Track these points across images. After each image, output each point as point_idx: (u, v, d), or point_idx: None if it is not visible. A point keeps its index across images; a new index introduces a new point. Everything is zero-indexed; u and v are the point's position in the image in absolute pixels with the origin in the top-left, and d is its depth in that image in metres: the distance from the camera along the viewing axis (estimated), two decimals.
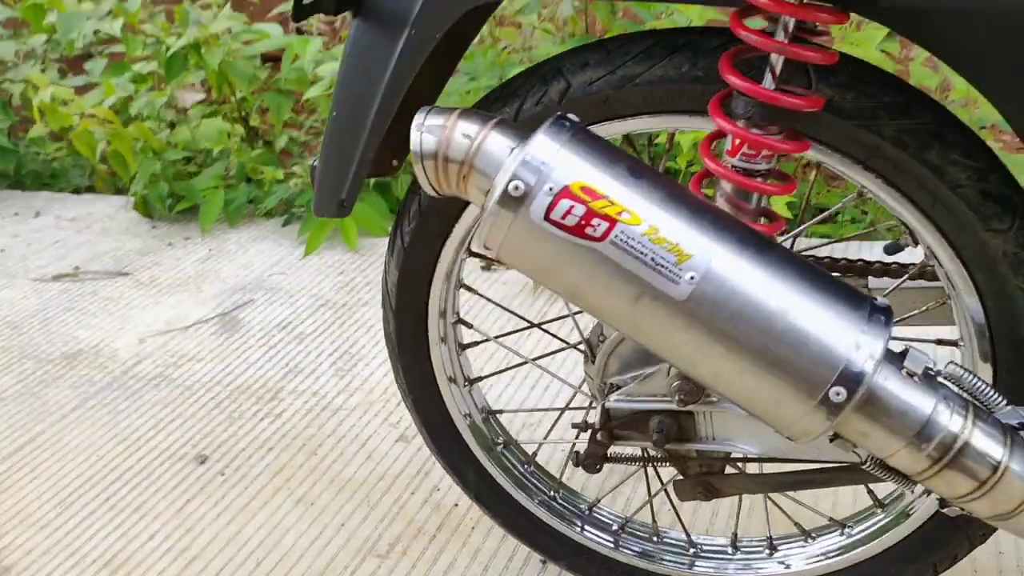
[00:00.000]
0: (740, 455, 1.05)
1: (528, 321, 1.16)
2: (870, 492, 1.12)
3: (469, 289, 1.16)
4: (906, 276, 0.97)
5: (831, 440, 0.73)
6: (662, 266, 0.68)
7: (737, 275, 0.68)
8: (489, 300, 1.18)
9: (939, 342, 1.02)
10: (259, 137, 2.78)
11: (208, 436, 1.74)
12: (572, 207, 0.68)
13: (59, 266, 2.45)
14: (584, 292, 0.70)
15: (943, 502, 0.74)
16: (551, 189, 0.68)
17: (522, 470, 1.23)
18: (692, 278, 0.68)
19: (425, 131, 0.74)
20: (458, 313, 1.17)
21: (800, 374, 0.67)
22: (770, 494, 1.15)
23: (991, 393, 0.69)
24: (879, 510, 1.10)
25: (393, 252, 1.11)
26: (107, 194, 2.89)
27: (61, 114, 2.31)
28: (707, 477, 1.05)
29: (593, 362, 1.09)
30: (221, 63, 2.33)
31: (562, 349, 1.17)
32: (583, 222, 0.68)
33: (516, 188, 0.68)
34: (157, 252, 2.49)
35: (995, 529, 1.03)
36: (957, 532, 1.03)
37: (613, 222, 0.68)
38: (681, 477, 1.06)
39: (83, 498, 1.59)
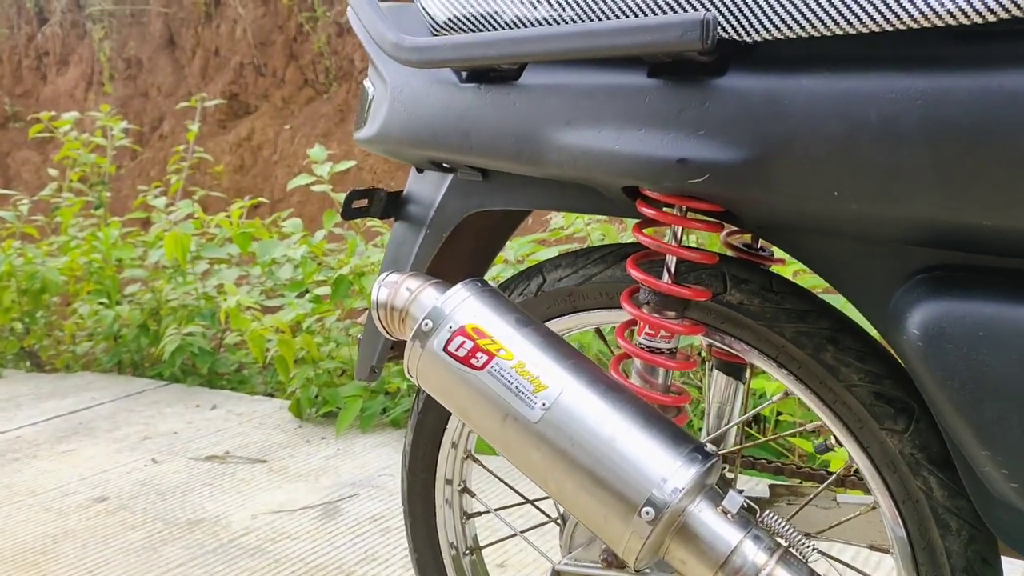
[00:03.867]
0: None
1: (523, 496, 1.29)
2: None
3: (477, 461, 1.32)
4: (830, 479, 1.02)
5: (657, 569, 0.80)
6: (523, 393, 0.83)
7: (580, 405, 0.81)
8: (492, 473, 1.33)
9: (872, 547, 1.03)
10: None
11: None
12: (463, 342, 0.86)
13: (214, 450, 2.83)
14: (469, 412, 0.86)
15: None
16: (451, 327, 0.88)
17: None
18: (544, 404, 0.82)
19: (382, 286, 0.97)
20: (464, 482, 1.33)
21: (621, 494, 0.78)
22: None
23: (800, 541, 0.75)
24: None
25: (412, 417, 1.31)
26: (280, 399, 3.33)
27: (242, 319, 2.80)
28: None
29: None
30: None
31: (546, 523, 1.28)
32: (470, 354, 0.86)
33: (427, 325, 0.89)
34: (295, 446, 2.81)
35: None
36: None
37: (492, 356, 0.85)
38: None
39: None
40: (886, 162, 0.76)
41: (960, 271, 0.82)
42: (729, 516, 0.78)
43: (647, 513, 0.77)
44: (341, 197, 3.06)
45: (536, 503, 1.29)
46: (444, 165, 1.13)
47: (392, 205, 1.24)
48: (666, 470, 0.78)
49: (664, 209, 0.92)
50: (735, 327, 1.01)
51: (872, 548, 1.04)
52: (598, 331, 1.15)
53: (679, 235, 0.93)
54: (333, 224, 3.04)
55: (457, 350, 0.87)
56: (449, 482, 1.30)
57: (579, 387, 0.83)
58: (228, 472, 2.66)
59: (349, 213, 1.19)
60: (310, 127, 7.63)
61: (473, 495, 1.32)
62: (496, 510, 1.30)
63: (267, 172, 7.59)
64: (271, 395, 3.42)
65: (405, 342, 1.26)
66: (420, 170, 1.20)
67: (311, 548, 2.14)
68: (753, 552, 0.76)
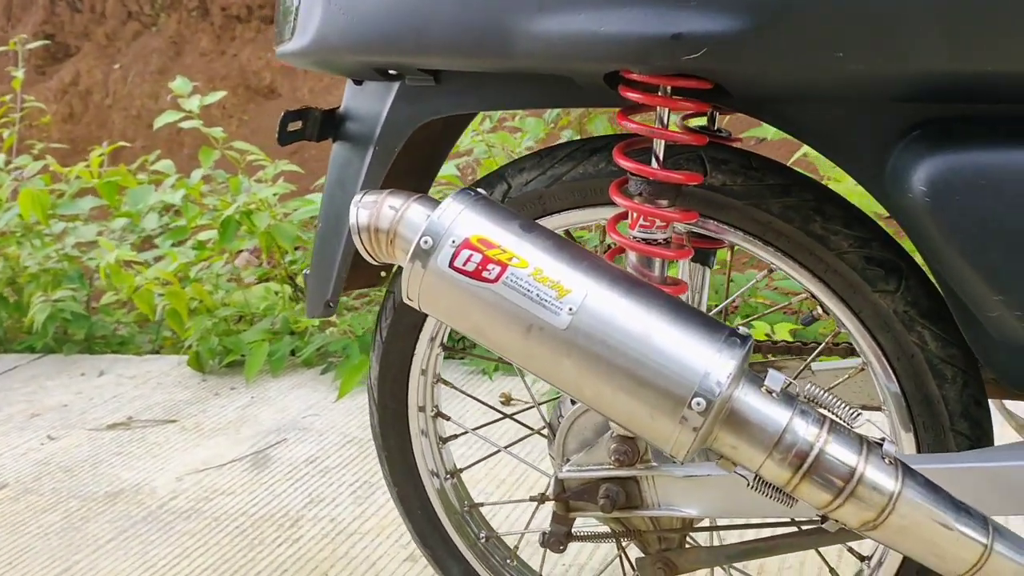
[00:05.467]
0: (698, 527, 1.10)
1: (501, 412, 1.25)
2: (832, 570, 1.13)
3: (446, 383, 1.27)
4: (820, 348, 1.05)
5: (716, 462, 0.80)
6: (545, 301, 0.79)
7: (608, 305, 0.78)
8: (466, 394, 1.29)
9: (864, 407, 1.08)
10: (304, 295, 3.02)
11: (228, 561, 1.82)
12: (471, 256, 0.81)
13: (114, 417, 2.64)
14: (485, 329, 0.82)
15: (823, 517, 0.79)
16: (454, 242, 0.82)
17: (506, 564, 1.29)
18: (571, 309, 0.79)
19: (360, 207, 0.89)
20: (437, 407, 1.28)
21: (666, 389, 0.76)
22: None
23: (842, 408, 0.76)
24: None
25: (374, 348, 1.24)
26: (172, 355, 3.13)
27: (124, 275, 2.59)
28: (665, 552, 1.09)
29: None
30: (268, 227, 2.60)
31: (530, 435, 1.26)
32: (480, 267, 0.81)
33: (426, 242, 0.82)
34: (204, 401, 2.66)
35: None
36: None
37: (504, 266, 0.80)
38: (642, 555, 1.11)
39: None
40: (891, 15, 0.74)
41: (955, 123, 0.82)
42: (774, 395, 0.78)
43: (698, 404, 0.75)
44: (217, 132, 2.85)
45: (515, 417, 1.27)
46: (391, 72, 1.04)
47: (328, 125, 1.13)
48: (709, 359, 0.76)
49: (651, 92, 0.88)
50: (719, 210, 0.99)
51: (864, 409, 1.07)
52: (567, 233, 1.11)
53: (666, 118, 0.89)
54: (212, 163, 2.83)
55: (465, 265, 0.81)
56: (422, 409, 1.25)
57: (602, 287, 0.80)
58: (136, 438, 2.49)
59: (285, 138, 1.08)
60: (142, 64, 7.03)
61: (448, 418, 1.27)
62: (474, 429, 1.27)
63: (102, 118, 6.97)
64: (157, 352, 3.22)
65: (363, 269, 1.19)
66: (359, 82, 1.10)
67: (250, 500, 2.05)
68: (803, 428, 0.76)
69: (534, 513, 1.30)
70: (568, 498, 1.08)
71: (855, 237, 0.96)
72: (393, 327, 1.21)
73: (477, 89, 1.01)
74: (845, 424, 0.77)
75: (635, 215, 0.92)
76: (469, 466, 1.30)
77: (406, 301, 0.86)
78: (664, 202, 0.91)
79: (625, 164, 0.91)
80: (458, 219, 0.83)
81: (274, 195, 2.77)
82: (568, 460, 1.13)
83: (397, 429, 1.26)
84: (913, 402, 0.97)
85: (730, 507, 1.00)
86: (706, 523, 1.10)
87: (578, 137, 2.84)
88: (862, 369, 1.06)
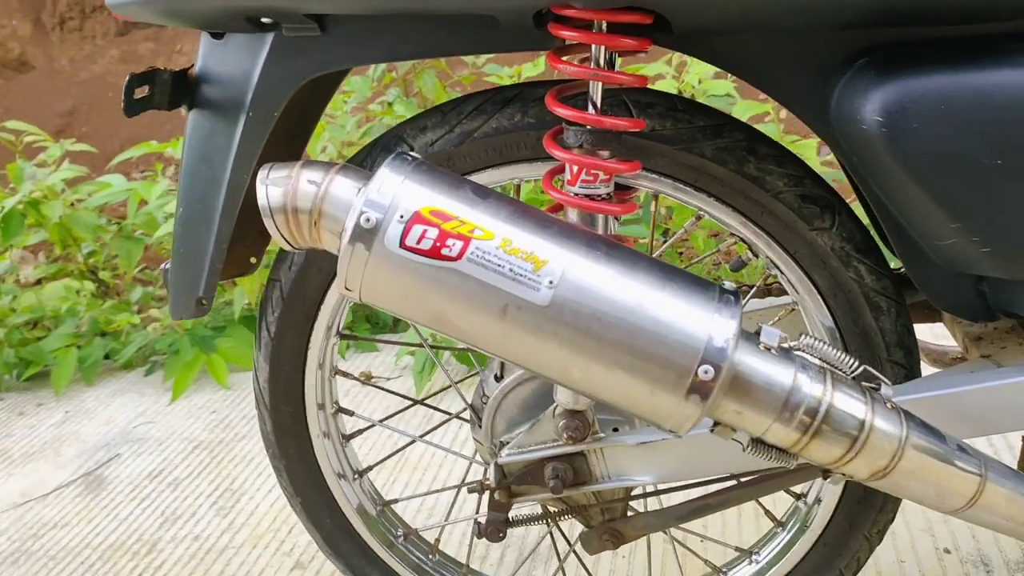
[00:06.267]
0: (640, 494, 1.05)
1: (409, 398, 1.14)
2: (768, 513, 1.13)
3: (345, 374, 1.13)
4: (753, 290, 1.02)
5: (712, 430, 0.75)
6: (521, 275, 0.69)
7: (592, 275, 0.70)
8: (367, 383, 1.16)
9: None
10: (110, 292, 2.68)
11: None
12: (425, 231, 0.69)
13: None
14: (450, 315, 0.70)
15: (827, 473, 0.77)
16: (402, 217, 0.69)
17: (428, 561, 1.18)
18: (551, 283, 0.69)
19: (270, 184, 0.74)
20: (337, 403, 1.14)
21: (668, 360, 0.69)
22: (677, 538, 1.14)
23: (844, 358, 0.73)
24: (779, 529, 1.11)
25: (260, 346, 1.08)
26: None
27: None
28: (610, 523, 1.04)
29: (480, 426, 1.08)
30: (63, 217, 2.26)
31: (448, 420, 1.16)
32: (438, 244, 0.69)
33: (367, 220, 0.69)
34: (7, 424, 2.31)
35: (885, 523, 1.06)
36: (854, 533, 1.06)
37: (467, 240, 0.69)
38: (586, 529, 1.05)
39: None
40: None
41: (900, 49, 0.80)
42: (772, 351, 0.72)
43: (706, 372, 0.68)
44: None
45: (426, 402, 1.15)
46: (263, 20, 0.87)
47: (180, 90, 0.95)
48: (709, 322, 0.69)
49: (585, 30, 0.78)
50: (650, 157, 0.92)
51: None
52: None
53: (602, 58, 0.80)
54: None
55: (419, 242, 0.68)
56: (322, 407, 1.11)
57: (579, 255, 0.70)
58: None
59: (133, 107, 0.89)
60: None
61: (351, 413, 1.14)
62: (380, 422, 1.14)
63: None
64: None
65: (232, 255, 1.01)
66: (218, 35, 0.92)
67: (91, 530, 1.79)
68: (808, 384, 0.71)
69: (453, 503, 1.20)
70: (510, 483, 0.99)
71: (789, 176, 0.93)
72: (283, 320, 1.05)
73: (374, 36, 0.87)
74: (844, 373, 0.74)
75: (575, 169, 0.83)
76: (380, 461, 1.18)
77: (343, 292, 0.72)
78: (605, 152, 0.83)
79: (564, 112, 0.81)
80: (401, 189, 0.70)
81: (62, 180, 2.41)
82: (502, 443, 1.04)
83: (296, 433, 1.11)
84: (849, 337, 0.96)
85: (684, 470, 0.96)
86: (639, 491, 1.06)
87: (404, 96, 2.69)
88: (792, 309, 1.04)
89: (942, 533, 1.39)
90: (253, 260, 1.09)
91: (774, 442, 0.73)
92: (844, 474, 0.74)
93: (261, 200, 0.74)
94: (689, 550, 1.19)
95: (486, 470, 1.13)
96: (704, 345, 0.69)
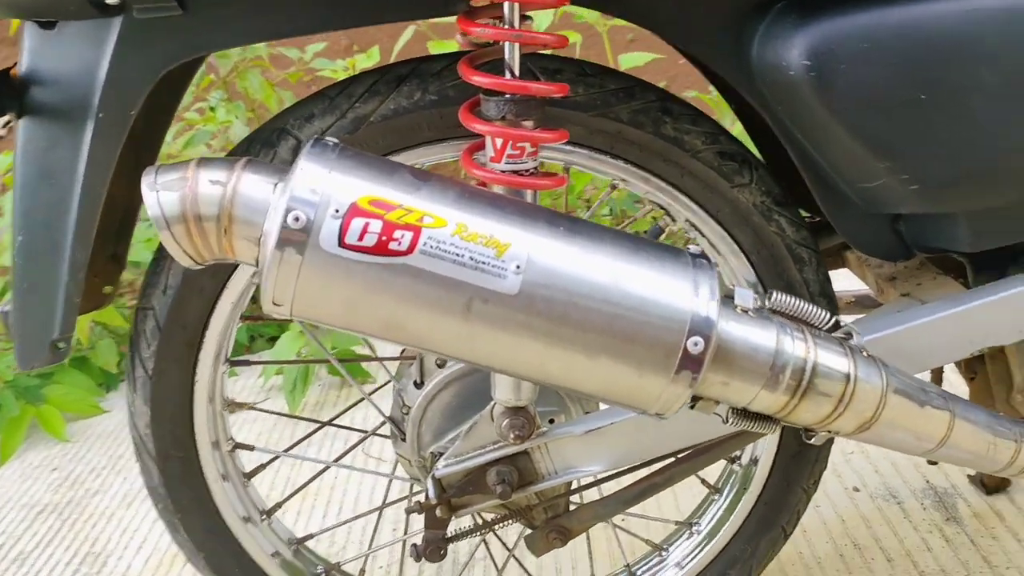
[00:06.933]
0: (581, 485, 1.00)
1: (316, 421, 1.02)
2: (703, 481, 1.11)
3: (241, 405, 1.00)
4: None
5: (691, 406, 0.70)
6: (484, 263, 0.61)
7: (561, 255, 0.62)
8: (267, 411, 1.03)
9: None
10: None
11: None
12: (367, 224, 0.59)
13: None
14: (406, 320, 0.61)
15: (808, 433, 0.74)
16: (337, 211, 0.59)
17: None
18: (518, 267, 0.62)
19: (162, 190, 0.61)
20: (233, 439, 1.01)
21: (654, 337, 0.63)
22: (615, 522, 1.10)
23: (816, 311, 0.71)
24: (716, 495, 1.10)
25: (136, 387, 0.93)
26: None
27: None
28: (555, 520, 0.97)
29: (404, 439, 0.98)
30: None
31: (364, 438, 1.05)
32: (384, 237, 0.59)
33: (296, 219, 0.58)
34: None
35: (820, 473, 1.07)
36: (792, 488, 1.05)
37: (417, 229, 0.60)
38: (530, 531, 0.98)
39: None
40: None
41: None
42: (750, 314, 0.68)
43: (695, 345, 0.63)
44: None
45: (334, 423, 1.04)
46: (108, 2, 0.73)
47: (4, 94, 0.78)
48: (690, 292, 0.64)
49: None
50: (562, 126, 0.86)
51: None
52: None
53: (516, 19, 0.73)
54: None
55: (362, 239, 0.58)
56: (216, 446, 0.98)
57: (544, 234, 0.62)
58: None
59: None
60: None
61: (250, 448, 1.01)
62: (286, 451, 1.02)
63: None
64: None
65: (88, 292, 0.86)
66: (49, 24, 0.77)
67: None
68: (791, 344, 0.67)
69: (376, 527, 1.10)
70: (451, 497, 0.91)
71: (705, 134, 0.89)
72: (163, 353, 0.91)
73: (251, 12, 0.75)
74: (817, 327, 0.71)
75: (499, 143, 0.75)
76: (288, 497, 1.05)
77: (270, 309, 0.61)
78: (529, 123, 0.75)
79: (483, 81, 0.73)
80: (330, 180, 0.59)
81: None
82: (433, 455, 0.95)
83: (190, 481, 0.97)
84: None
85: (633, 453, 0.91)
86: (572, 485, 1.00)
87: (228, 99, 2.50)
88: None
89: (847, 473, 1.43)
90: (108, 290, 0.94)
91: (760, 409, 0.69)
92: (830, 431, 0.72)
93: (153, 210, 0.61)
94: (628, 532, 1.15)
95: (412, 487, 1.04)
96: (690, 316, 0.63)
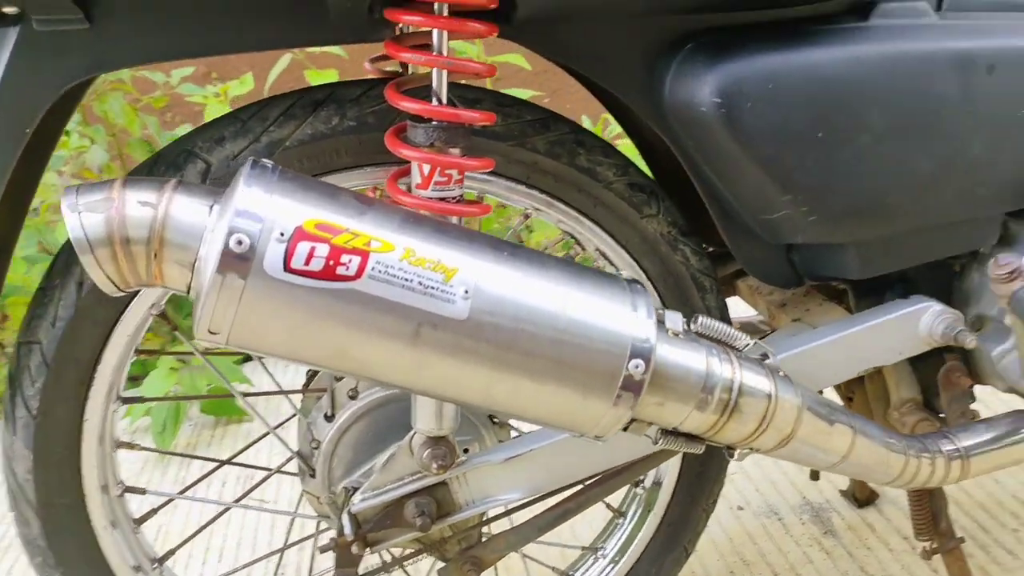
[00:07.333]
0: (492, 516, 0.99)
1: (216, 460, 0.96)
2: (608, 505, 1.13)
3: (131, 446, 0.93)
4: None
5: (624, 428, 0.71)
6: (432, 288, 0.60)
7: (507, 281, 0.62)
8: (166, 452, 0.97)
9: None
10: None
11: None
12: (314, 248, 0.57)
13: None
14: (352, 347, 0.59)
15: (730, 451, 0.77)
16: (282, 235, 0.57)
17: None
18: (466, 292, 0.61)
19: (85, 210, 0.56)
20: (122, 481, 0.94)
21: (598, 361, 0.64)
22: (522, 550, 1.10)
23: (737, 334, 0.74)
24: (620, 519, 1.12)
25: (15, 429, 0.85)
26: None
27: None
28: (468, 552, 0.96)
29: (313, 475, 0.95)
30: None
31: (268, 476, 1.00)
32: (331, 262, 0.57)
33: (239, 243, 0.55)
34: None
35: (718, 492, 1.11)
36: (694, 507, 1.09)
37: (365, 254, 0.58)
38: (443, 564, 0.96)
39: None
40: None
41: (721, 33, 0.83)
42: (681, 336, 0.70)
43: (636, 367, 0.64)
44: None
45: (233, 461, 0.99)
46: (4, 11, 0.68)
47: None
48: (630, 316, 0.65)
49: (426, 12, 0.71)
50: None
51: None
52: None
53: (444, 47, 0.73)
54: None
55: (308, 263, 0.56)
56: (105, 490, 0.91)
57: (489, 260, 0.62)
58: None
59: None
60: None
61: (143, 491, 0.94)
62: (181, 494, 0.96)
63: None
64: None
65: None
66: None
67: None
68: (719, 365, 0.70)
69: (277, 570, 1.05)
70: (367, 532, 0.88)
71: (616, 165, 0.92)
72: (49, 391, 0.84)
73: (167, 27, 0.71)
74: (738, 349, 0.74)
75: (427, 169, 0.75)
76: (184, 543, 0.99)
77: (204, 338, 0.57)
78: (456, 150, 0.76)
79: (412, 107, 0.73)
80: (274, 204, 0.57)
81: None
82: (346, 490, 0.92)
83: (75, 530, 0.89)
84: None
85: (551, 478, 0.92)
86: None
87: (86, 123, 2.36)
88: None
89: (731, 493, 1.49)
90: None
91: (690, 429, 0.72)
92: (752, 448, 0.75)
93: (75, 232, 0.56)
94: (536, 561, 1.15)
95: (319, 525, 1.00)
96: (631, 340, 0.65)
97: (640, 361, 0.65)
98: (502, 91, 0.92)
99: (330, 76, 2.26)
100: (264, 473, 1.02)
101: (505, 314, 0.62)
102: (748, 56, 0.81)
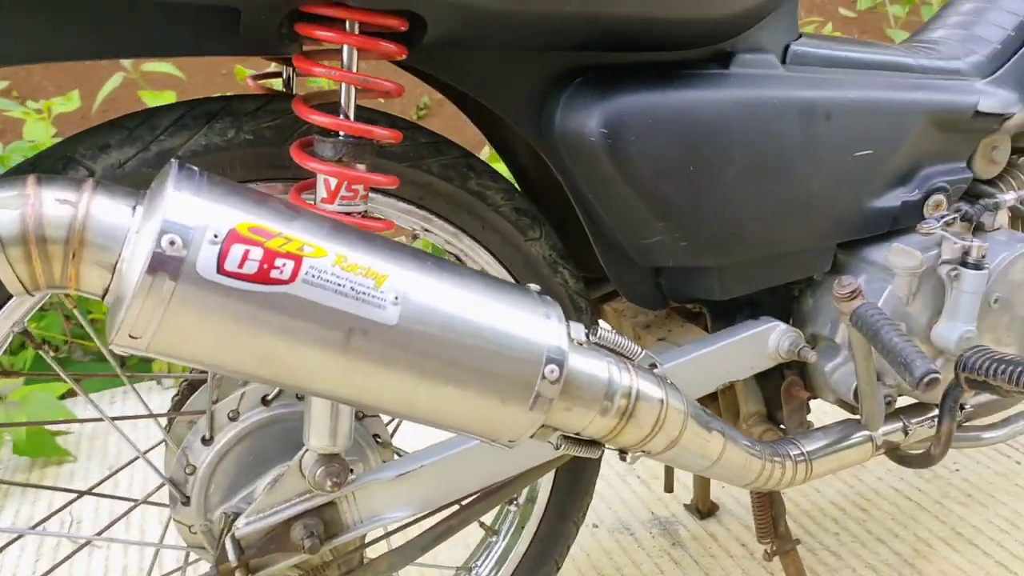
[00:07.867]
0: (375, 536, 0.99)
1: (73, 491, 0.90)
2: (481, 523, 1.15)
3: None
4: None
5: (531, 435, 0.74)
6: (364, 294, 0.60)
7: (433, 289, 0.64)
8: (27, 484, 0.88)
9: None
10: None
11: None
12: (248, 251, 0.56)
13: None
14: (282, 352, 0.58)
15: (623, 455, 0.81)
16: (216, 237, 0.55)
17: None
18: (396, 298, 0.62)
19: None
20: None
21: (517, 367, 0.67)
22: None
23: (631, 345, 0.79)
24: (493, 537, 1.14)
25: None
26: None
27: None
28: (350, 575, 0.95)
29: (187, 503, 0.90)
30: None
31: (133, 508, 0.94)
32: (266, 266, 0.57)
33: (172, 243, 0.53)
34: None
35: (587, 506, 1.16)
36: (565, 522, 1.13)
37: (299, 259, 0.58)
38: None
39: None
40: None
41: (609, 70, 0.89)
42: (584, 346, 0.73)
43: (552, 372, 0.66)
44: None
45: (94, 492, 0.92)
46: None
47: None
48: (544, 324, 0.67)
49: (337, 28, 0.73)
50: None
51: None
52: None
53: (354, 64, 0.75)
54: None
55: (242, 266, 0.54)
56: None
57: (416, 268, 0.63)
58: None
59: None
60: None
61: None
62: (34, 528, 0.88)
63: None
64: None
65: None
66: None
67: None
68: (619, 374, 0.73)
69: None
70: (251, 558, 0.85)
71: (503, 190, 0.96)
72: None
73: (61, 29, 0.68)
74: (631, 359, 0.78)
75: (333, 184, 0.75)
76: None
77: (123, 343, 0.54)
78: (362, 166, 0.77)
79: (323, 121, 0.73)
80: (205, 206, 0.55)
81: None
82: (227, 515, 0.89)
83: None
84: None
85: (441, 493, 0.93)
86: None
87: None
88: None
89: None
90: None
91: (592, 434, 0.76)
92: (644, 451, 0.80)
93: None
94: None
95: (188, 556, 0.96)
96: (546, 347, 0.68)
97: (555, 367, 0.68)
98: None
99: (168, 98, 2.17)
100: (127, 505, 0.95)
101: (432, 321, 0.64)
102: (631, 92, 0.87)
